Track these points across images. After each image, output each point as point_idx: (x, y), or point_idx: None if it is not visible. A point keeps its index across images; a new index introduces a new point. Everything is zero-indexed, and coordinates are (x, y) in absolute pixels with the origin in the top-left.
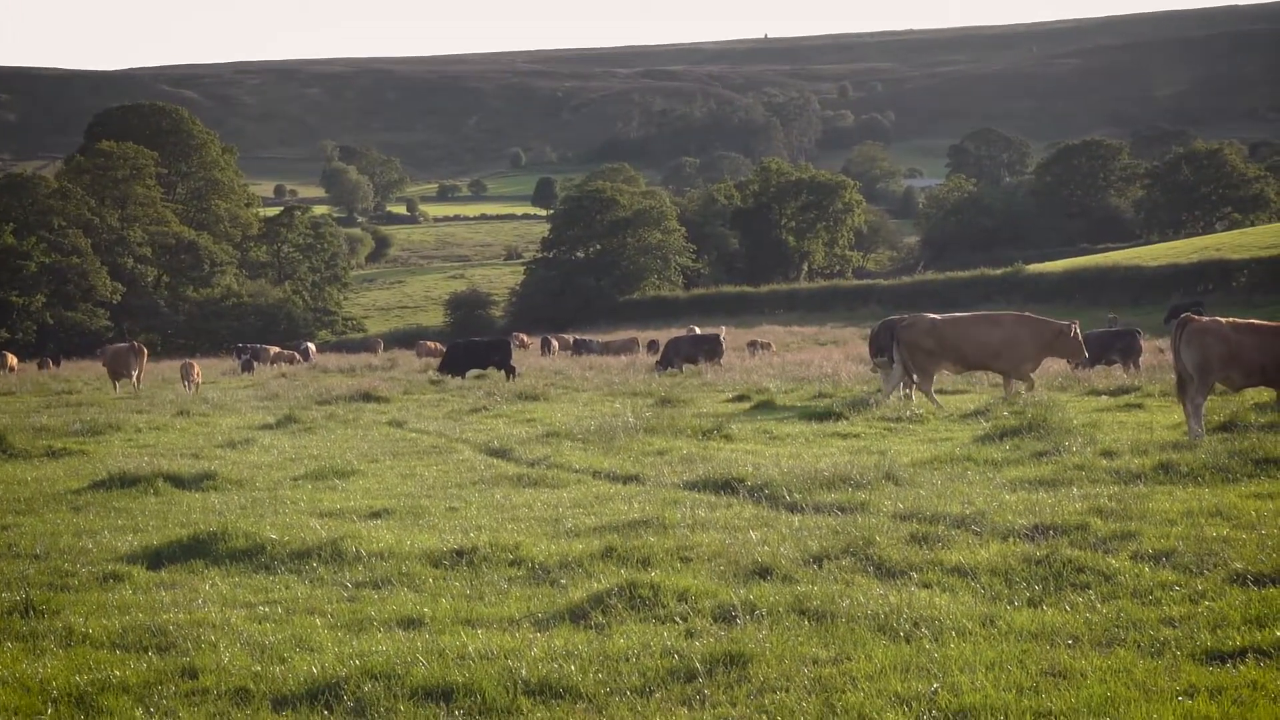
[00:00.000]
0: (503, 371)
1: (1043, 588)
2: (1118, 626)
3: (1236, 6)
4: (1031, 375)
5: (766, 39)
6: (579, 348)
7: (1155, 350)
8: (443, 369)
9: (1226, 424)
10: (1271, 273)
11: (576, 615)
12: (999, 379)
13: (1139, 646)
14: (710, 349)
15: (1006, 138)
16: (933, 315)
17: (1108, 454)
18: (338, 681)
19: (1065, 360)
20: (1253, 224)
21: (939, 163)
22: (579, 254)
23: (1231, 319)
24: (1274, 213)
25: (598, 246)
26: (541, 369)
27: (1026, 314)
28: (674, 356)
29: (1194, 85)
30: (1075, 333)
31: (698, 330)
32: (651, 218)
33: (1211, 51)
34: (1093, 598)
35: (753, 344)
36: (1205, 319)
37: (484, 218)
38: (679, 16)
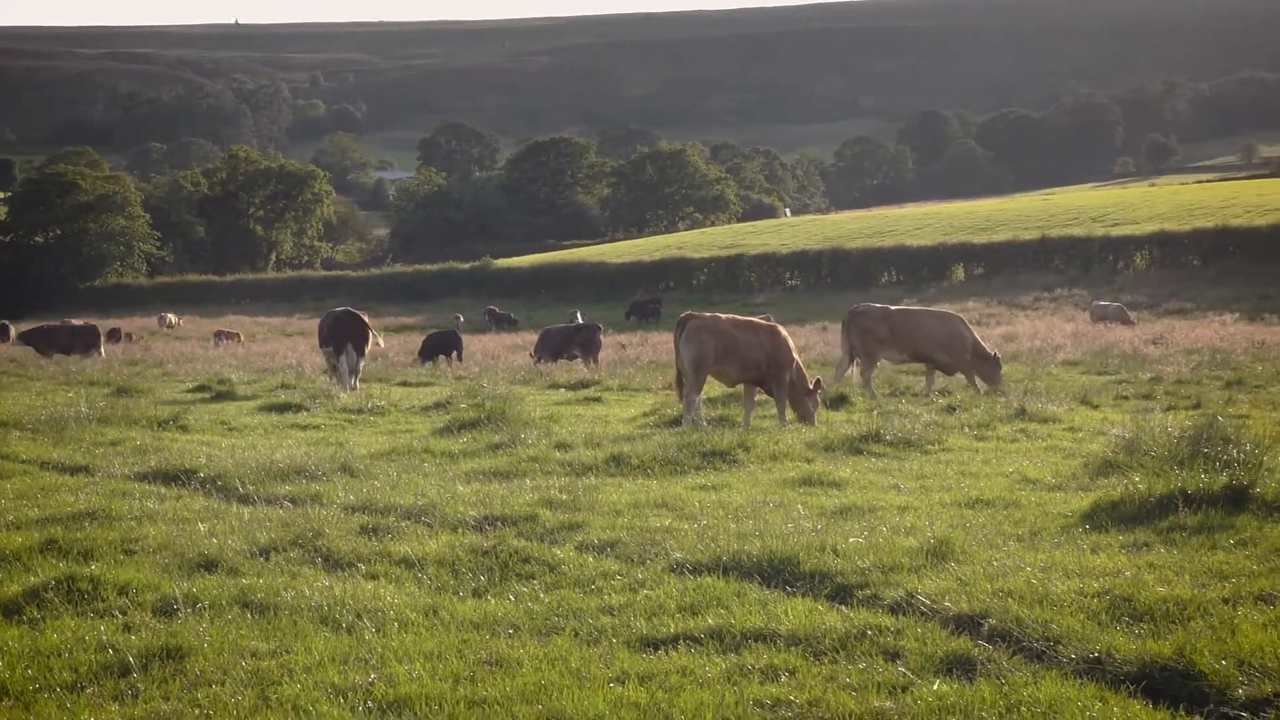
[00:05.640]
0: None
1: (488, 578)
2: (558, 616)
3: (702, 11)
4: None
5: (237, 25)
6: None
7: (616, 346)
8: None
9: (677, 419)
10: (729, 271)
11: (10, 610)
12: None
13: (577, 635)
14: (87, 340)
15: (477, 132)
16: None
17: (562, 446)
18: None
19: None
20: (713, 224)
21: (410, 155)
22: (38, 238)
23: (731, 315)
24: (733, 214)
25: (58, 231)
26: None
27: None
28: (43, 344)
29: (661, 87)
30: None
31: (171, 318)
32: (115, 203)
33: (678, 55)
34: (536, 588)
35: (219, 334)
36: (706, 315)
37: None
38: None
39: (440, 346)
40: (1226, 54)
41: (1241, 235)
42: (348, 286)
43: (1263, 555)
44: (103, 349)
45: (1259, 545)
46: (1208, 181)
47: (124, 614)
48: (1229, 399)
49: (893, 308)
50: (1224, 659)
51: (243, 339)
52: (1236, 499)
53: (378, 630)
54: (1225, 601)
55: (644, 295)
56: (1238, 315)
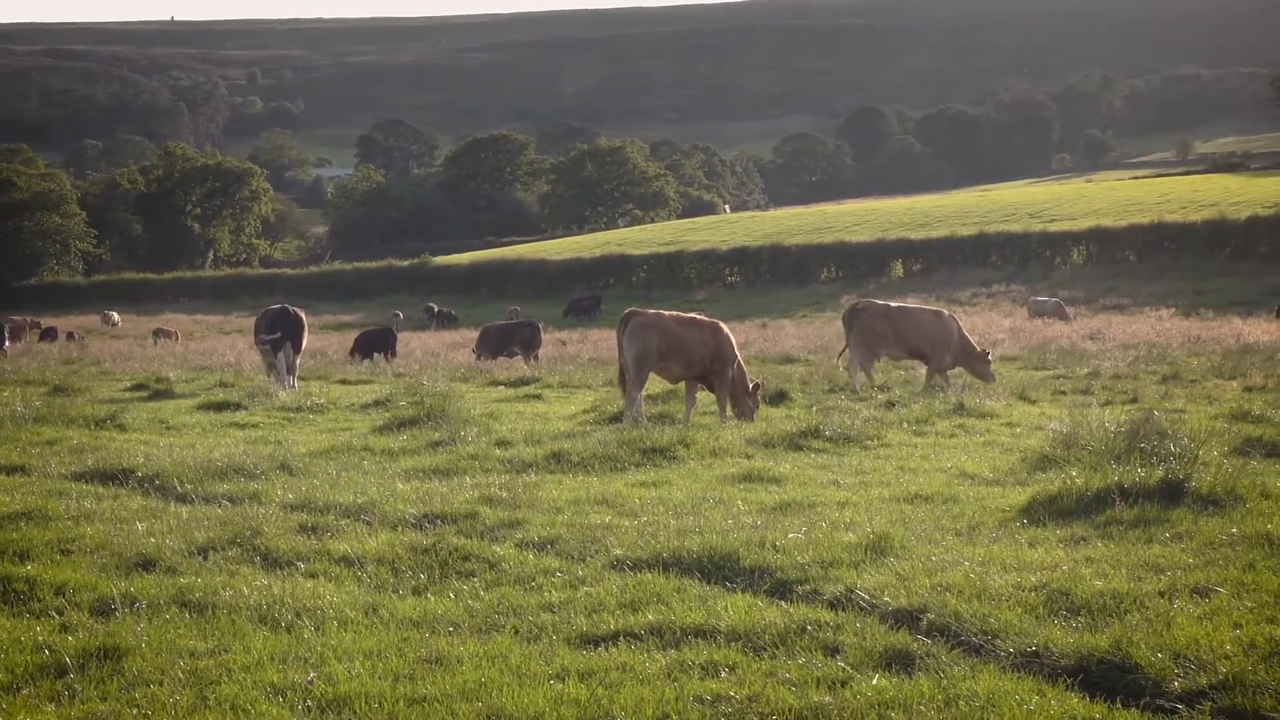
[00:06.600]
0: None
1: (428, 576)
2: (498, 613)
3: (642, 8)
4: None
5: (173, 21)
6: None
7: (556, 343)
8: None
9: (617, 416)
10: (669, 268)
11: None
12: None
13: (517, 632)
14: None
15: (415, 129)
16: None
17: (503, 443)
18: None
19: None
20: (653, 220)
21: (348, 153)
22: None
23: (674, 312)
24: (673, 210)
25: None
26: None
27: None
28: None
29: (600, 84)
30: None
31: (115, 316)
32: (50, 201)
33: (617, 52)
34: (476, 585)
35: (158, 332)
36: (650, 312)
37: None
38: None
39: (374, 344)
40: (1162, 50)
41: (1177, 231)
42: (286, 284)
43: (1198, 549)
44: (6, 344)
45: (1194, 539)
46: (1144, 177)
47: (61, 614)
48: (1165, 393)
49: (893, 305)
50: (1160, 651)
51: (180, 337)
52: (1172, 493)
53: (317, 629)
54: (1161, 595)
55: (582, 293)
56: (1173, 310)
